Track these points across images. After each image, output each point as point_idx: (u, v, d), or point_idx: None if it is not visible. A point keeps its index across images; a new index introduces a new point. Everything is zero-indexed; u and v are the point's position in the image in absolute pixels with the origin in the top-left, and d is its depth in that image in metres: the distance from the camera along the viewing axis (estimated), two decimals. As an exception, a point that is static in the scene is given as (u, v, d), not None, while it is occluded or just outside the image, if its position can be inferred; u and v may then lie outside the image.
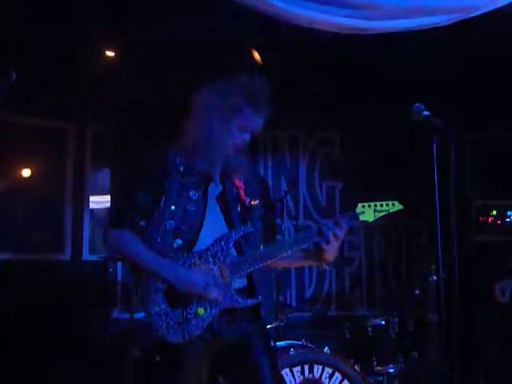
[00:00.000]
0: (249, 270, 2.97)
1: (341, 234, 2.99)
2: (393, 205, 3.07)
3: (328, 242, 2.99)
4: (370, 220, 3.06)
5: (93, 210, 6.07)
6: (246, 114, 3.00)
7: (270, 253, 2.99)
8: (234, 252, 3.00)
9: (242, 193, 3.13)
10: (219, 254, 2.94)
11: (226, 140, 3.01)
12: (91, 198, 6.06)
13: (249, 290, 3.04)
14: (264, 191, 3.28)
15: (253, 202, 3.15)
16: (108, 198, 6.05)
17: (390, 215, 3.09)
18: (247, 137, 3.06)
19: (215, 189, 3.09)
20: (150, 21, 4.85)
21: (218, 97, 3.02)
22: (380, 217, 3.07)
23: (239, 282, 3.00)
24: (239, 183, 3.14)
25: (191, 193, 2.99)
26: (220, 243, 2.96)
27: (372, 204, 3.05)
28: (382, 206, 3.05)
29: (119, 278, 5.98)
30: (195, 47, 5.13)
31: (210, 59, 5.15)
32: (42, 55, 5.13)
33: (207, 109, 3.02)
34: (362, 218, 3.05)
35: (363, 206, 3.05)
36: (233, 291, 2.94)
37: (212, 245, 2.95)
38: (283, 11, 3.61)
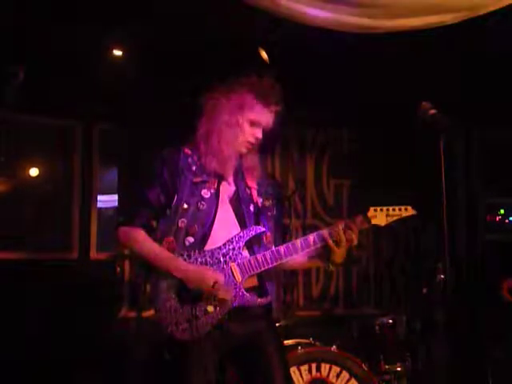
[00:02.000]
0: (259, 270, 2.99)
1: (351, 237, 3.00)
2: (405, 209, 3.07)
3: (338, 245, 3.00)
4: (382, 224, 3.06)
5: (100, 208, 6.08)
6: (256, 110, 3.04)
7: (281, 254, 3.00)
8: (245, 252, 3.01)
9: (254, 193, 3.15)
10: (231, 253, 2.96)
11: (238, 138, 3.03)
12: (99, 197, 6.07)
13: (259, 289, 3.05)
14: (276, 192, 3.29)
15: (265, 203, 3.17)
16: (116, 197, 6.06)
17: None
18: (259, 133, 3.07)
19: (228, 188, 3.11)
20: (154, 19, 4.85)
21: (227, 96, 3.05)
22: (392, 221, 3.07)
23: (250, 281, 3.01)
24: (252, 183, 3.16)
25: (203, 191, 3.01)
26: (232, 243, 2.97)
27: (384, 208, 3.05)
28: (394, 210, 3.05)
29: (127, 276, 5.99)
30: (199, 48, 5.13)
31: (216, 58, 5.16)
32: (49, 54, 5.13)
33: (218, 108, 3.05)
34: (373, 221, 3.05)
35: (375, 210, 3.05)
36: (243, 290, 2.95)
37: (224, 244, 2.97)
38: (288, 9, 3.61)
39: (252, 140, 3.07)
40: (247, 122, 3.04)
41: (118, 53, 5.40)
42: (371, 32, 3.92)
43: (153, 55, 5.36)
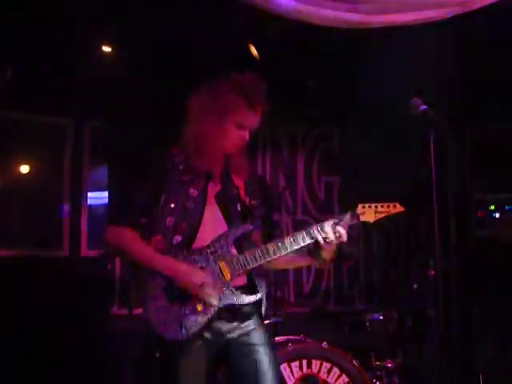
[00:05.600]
0: (249, 268, 2.98)
1: (341, 233, 3.01)
2: (394, 206, 3.08)
3: (328, 241, 3.00)
4: (371, 221, 3.07)
5: (91, 206, 6.07)
6: (241, 112, 2.99)
7: (270, 251, 2.99)
8: (233, 250, 3.01)
9: (242, 192, 3.14)
10: (219, 251, 2.95)
11: (224, 141, 3.01)
12: (89, 194, 6.06)
13: (249, 288, 3.04)
14: (263, 192, 3.28)
15: (253, 202, 3.16)
16: (106, 194, 6.05)
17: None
18: (246, 135, 3.05)
19: (215, 187, 3.10)
20: (148, 19, 4.85)
21: (211, 98, 3.02)
22: (380, 218, 3.08)
23: (239, 280, 3.01)
24: (239, 183, 3.15)
25: (191, 190, 3.01)
26: (220, 241, 2.97)
27: (372, 205, 3.06)
28: (382, 207, 3.06)
29: (118, 274, 5.98)
30: (195, 44, 5.13)
31: (209, 57, 5.16)
32: (40, 51, 5.12)
33: (201, 111, 3.03)
34: (362, 218, 3.06)
35: (363, 207, 3.06)
36: (233, 289, 2.94)
37: (212, 242, 2.96)
38: (281, 6, 3.61)
39: (239, 142, 3.05)
40: (233, 125, 3.01)
41: (109, 51, 5.38)
42: (363, 28, 3.93)
43: (143, 54, 5.35)
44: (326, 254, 3.07)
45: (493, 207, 5.84)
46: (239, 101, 2.98)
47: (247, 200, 3.14)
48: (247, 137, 3.05)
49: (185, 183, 3.01)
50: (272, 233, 3.28)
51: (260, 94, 3.01)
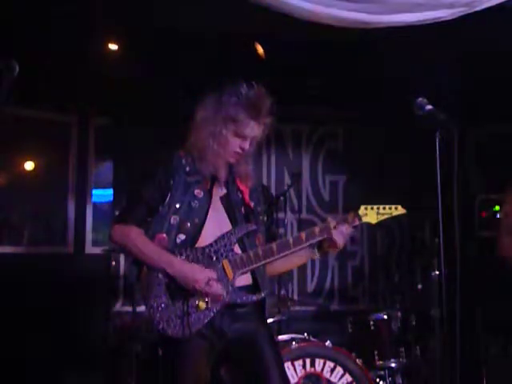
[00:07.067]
0: (252, 267, 2.99)
1: (344, 233, 3.03)
2: (395, 209, 3.12)
3: (331, 241, 3.03)
4: (373, 222, 3.11)
5: (95, 203, 6.07)
6: (243, 122, 3.01)
7: (273, 250, 3.01)
8: (237, 249, 3.02)
9: (246, 197, 3.16)
10: (222, 250, 2.97)
11: (224, 149, 3.03)
12: (94, 192, 6.06)
13: (252, 287, 3.05)
14: (267, 199, 3.31)
15: (257, 208, 3.19)
16: (111, 191, 6.06)
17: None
18: (246, 144, 3.06)
19: (220, 190, 3.12)
20: (152, 16, 4.85)
21: (216, 109, 3.04)
22: (382, 219, 3.10)
23: (242, 279, 3.01)
24: (243, 188, 3.17)
25: (196, 191, 3.03)
26: (223, 240, 2.98)
27: (375, 207, 3.09)
28: (384, 209, 3.11)
29: (122, 271, 5.99)
30: (197, 42, 5.13)
31: (212, 57, 5.17)
32: (45, 48, 5.12)
33: (206, 120, 3.05)
34: (364, 219, 3.10)
35: (366, 209, 3.10)
36: (235, 287, 2.95)
37: (215, 241, 2.98)
38: (284, 4, 3.59)
39: (239, 151, 3.06)
40: (233, 134, 3.02)
41: (115, 50, 5.39)
42: (368, 28, 3.91)
43: (150, 54, 5.35)
44: (325, 246, 3.11)
45: (497, 208, 5.83)
46: (243, 112, 3.00)
47: (251, 204, 3.16)
48: (247, 146, 3.07)
49: (191, 184, 3.03)
50: (276, 234, 3.30)
51: (265, 108, 3.02)
